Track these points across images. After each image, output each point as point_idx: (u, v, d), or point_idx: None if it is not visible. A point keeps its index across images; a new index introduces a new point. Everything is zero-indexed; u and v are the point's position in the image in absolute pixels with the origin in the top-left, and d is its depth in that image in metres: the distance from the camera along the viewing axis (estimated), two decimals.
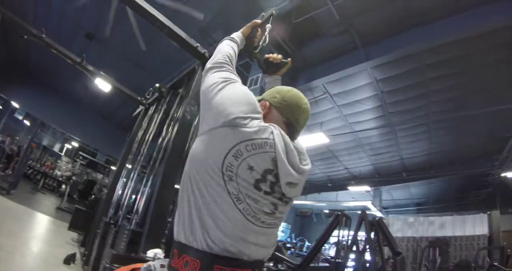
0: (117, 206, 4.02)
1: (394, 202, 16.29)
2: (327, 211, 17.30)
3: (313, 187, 15.04)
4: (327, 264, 5.71)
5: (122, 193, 3.97)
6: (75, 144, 16.44)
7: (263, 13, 1.54)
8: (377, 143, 10.77)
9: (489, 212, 12.56)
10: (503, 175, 11.38)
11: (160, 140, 3.21)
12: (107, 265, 2.00)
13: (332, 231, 5.09)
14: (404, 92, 8.00)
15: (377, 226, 4.71)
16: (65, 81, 12.54)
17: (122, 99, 10.74)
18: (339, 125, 9.69)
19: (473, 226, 13.13)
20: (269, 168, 1.02)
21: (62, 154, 16.74)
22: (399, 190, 14.77)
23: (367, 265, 4.63)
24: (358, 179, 13.48)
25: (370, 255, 4.53)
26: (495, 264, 7.57)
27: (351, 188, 13.53)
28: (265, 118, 1.14)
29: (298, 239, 17.24)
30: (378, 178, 13.21)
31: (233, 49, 1.34)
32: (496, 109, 7.51)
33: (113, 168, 14.95)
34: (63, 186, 13.36)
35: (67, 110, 13.70)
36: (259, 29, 1.51)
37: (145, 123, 4.71)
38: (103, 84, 7.07)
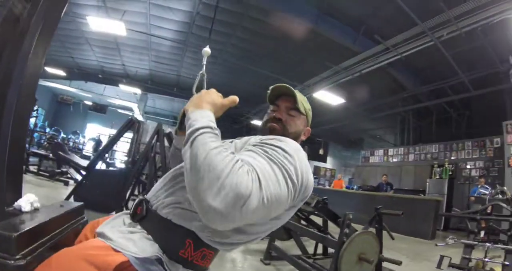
0: None
1: (155, 110, 16.96)
2: (89, 103, 15.71)
3: (82, 74, 13.36)
4: (114, 168, 5.37)
5: None
6: None
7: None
8: (165, 53, 10.88)
9: None
10: (252, 122, 14.80)
11: None
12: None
13: (122, 135, 4.91)
14: (215, 24, 8.32)
15: (167, 138, 4.90)
16: None
17: None
18: (140, 21, 8.89)
19: None
20: None
21: None
22: (164, 101, 15.45)
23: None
24: (131, 79, 13.12)
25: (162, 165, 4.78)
26: None
27: (122, 86, 12.90)
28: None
29: (53, 129, 15.01)
30: (151, 85, 13.29)
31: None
32: (267, 75, 9.90)
33: None
34: None
35: None
36: None
37: None
38: None
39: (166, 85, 13.44)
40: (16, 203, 1.18)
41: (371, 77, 8.52)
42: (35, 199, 1.23)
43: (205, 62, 1.34)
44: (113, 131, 13.93)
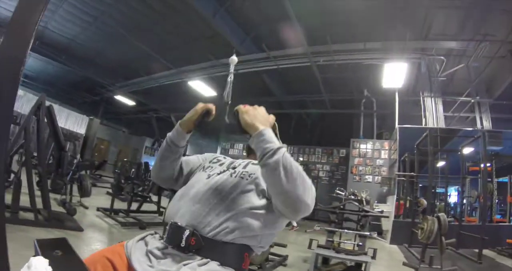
0: None
1: None
2: None
3: None
4: None
5: None
6: None
7: None
8: None
9: (91, 117, 14.42)
10: (115, 96, 13.60)
11: None
12: None
13: None
14: None
15: (47, 114, 4.30)
16: None
17: None
18: None
19: (74, 123, 14.25)
20: None
21: None
22: None
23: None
24: None
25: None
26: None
27: None
28: None
29: None
30: None
31: None
32: (144, 50, 9.54)
33: None
34: None
35: None
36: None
37: None
38: None
39: None
40: None
41: (244, 78, 9.05)
42: (45, 261, 0.75)
43: (232, 70, 1.42)
44: None
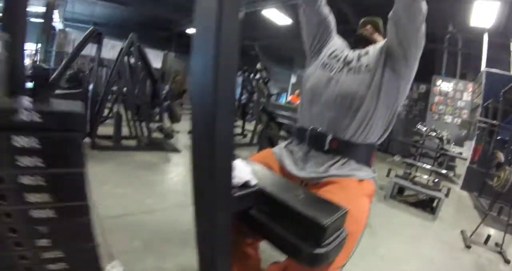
0: None
1: (74, 15, 14.38)
2: None
3: None
4: (78, 90, 4.89)
5: None
6: None
7: None
8: None
9: (166, 51, 15.10)
10: (186, 30, 14.20)
11: None
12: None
13: (84, 47, 4.51)
14: None
15: (138, 52, 4.79)
16: None
17: None
18: None
19: (151, 60, 15.14)
20: None
21: None
22: (84, 5, 13.16)
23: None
24: None
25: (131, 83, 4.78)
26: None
27: None
28: None
29: None
30: None
31: None
32: None
33: None
34: None
35: None
36: None
37: None
38: None
39: None
40: (235, 179, 0.79)
41: None
42: (245, 162, 0.91)
43: None
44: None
